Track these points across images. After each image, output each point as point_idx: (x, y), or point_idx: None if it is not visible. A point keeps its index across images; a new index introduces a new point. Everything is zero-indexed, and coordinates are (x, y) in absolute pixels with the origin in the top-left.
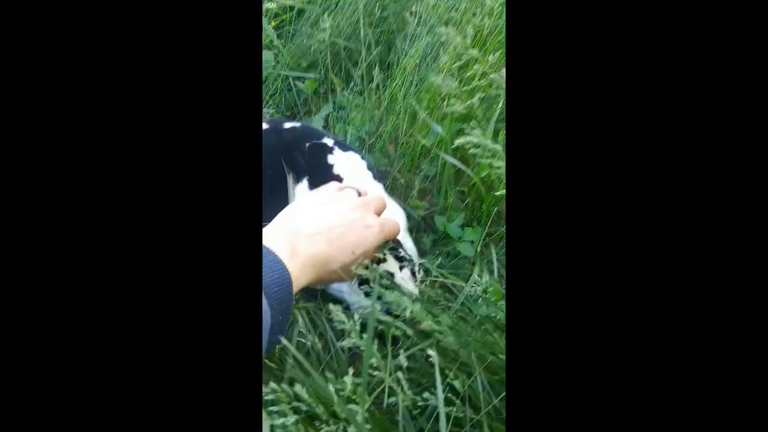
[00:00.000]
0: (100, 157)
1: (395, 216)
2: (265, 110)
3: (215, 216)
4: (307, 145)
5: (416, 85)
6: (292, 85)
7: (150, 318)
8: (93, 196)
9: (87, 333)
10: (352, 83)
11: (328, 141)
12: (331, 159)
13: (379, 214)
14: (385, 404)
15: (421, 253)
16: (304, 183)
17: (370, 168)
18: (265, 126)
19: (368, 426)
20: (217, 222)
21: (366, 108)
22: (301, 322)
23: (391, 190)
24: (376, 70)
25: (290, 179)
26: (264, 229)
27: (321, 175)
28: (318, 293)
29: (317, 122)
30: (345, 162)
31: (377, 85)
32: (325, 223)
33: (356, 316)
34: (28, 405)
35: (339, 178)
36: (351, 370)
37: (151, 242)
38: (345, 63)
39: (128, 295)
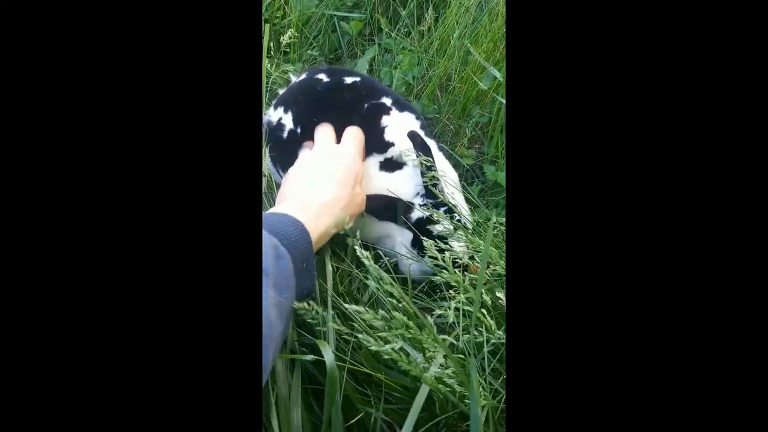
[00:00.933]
0: (97, 146)
1: (447, 172)
2: (310, 52)
3: (215, 206)
4: (366, 105)
5: (471, 24)
6: (337, 26)
7: (150, 312)
8: (94, 190)
9: (91, 324)
10: (400, 24)
11: (387, 100)
12: (385, 120)
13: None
14: (460, 340)
15: (468, 202)
16: None
17: (423, 126)
18: (324, 78)
19: (461, 356)
20: (217, 211)
21: (414, 51)
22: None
23: (440, 137)
24: (431, 10)
25: None
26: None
27: (372, 138)
28: (370, 248)
29: (361, 66)
30: (397, 124)
31: (428, 27)
32: (312, 171)
33: (447, 254)
34: (24, 406)
35: (388, 144)
36: (454, 303)
37: (150, 236)
38: (392, 2)
39: (121, 292)
